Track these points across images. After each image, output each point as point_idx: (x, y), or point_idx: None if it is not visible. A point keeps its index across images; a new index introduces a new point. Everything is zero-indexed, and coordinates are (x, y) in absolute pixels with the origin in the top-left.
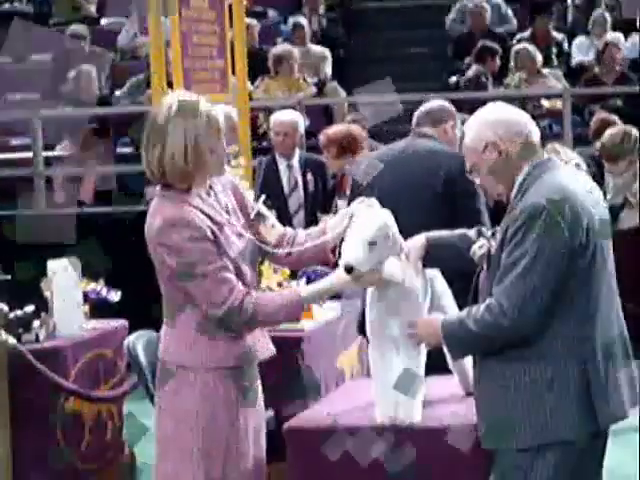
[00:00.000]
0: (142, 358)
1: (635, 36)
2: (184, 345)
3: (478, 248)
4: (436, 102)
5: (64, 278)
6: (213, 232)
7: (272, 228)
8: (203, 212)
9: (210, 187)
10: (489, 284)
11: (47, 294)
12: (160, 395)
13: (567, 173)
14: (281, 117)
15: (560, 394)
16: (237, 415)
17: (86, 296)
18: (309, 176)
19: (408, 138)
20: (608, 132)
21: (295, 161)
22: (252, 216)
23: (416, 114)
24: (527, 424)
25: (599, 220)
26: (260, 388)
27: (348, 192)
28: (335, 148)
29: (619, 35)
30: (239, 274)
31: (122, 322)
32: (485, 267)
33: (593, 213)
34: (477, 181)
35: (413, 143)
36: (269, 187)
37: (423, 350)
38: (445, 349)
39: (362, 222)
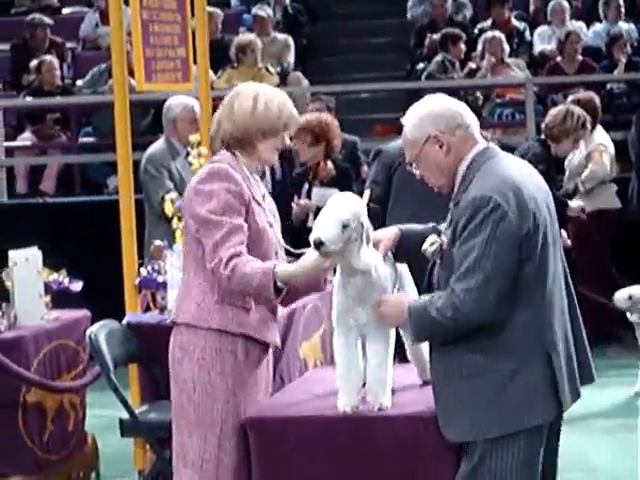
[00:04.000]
0: (104, 348)
1: (597, 25)
2: (194, 303)
3: (429, 245)
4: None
5: (25, 268)
6: (249, 200)
7: None
8: (249, 186)
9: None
10: (444, 278)
11: (8, 284)
12: (170, 366)
13: (506, 160)
14: None
15: (524, 383)
16: (233, 392)
17: (48, 286)
18: (277, 164)
19: None
20: (551, 112)
21: None
22: None
23: None
24: (492, 415)
25: (543, 204)
26: (267, 378)
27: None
28: (309, 136)
29: (581, 24)
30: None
31: (84, 312)
32: (438, 262)
33: (537, 198)
34: (418, 173)
35: None
36: None
37: (392, 336)
38: (406, 331)
39: (338, 203)
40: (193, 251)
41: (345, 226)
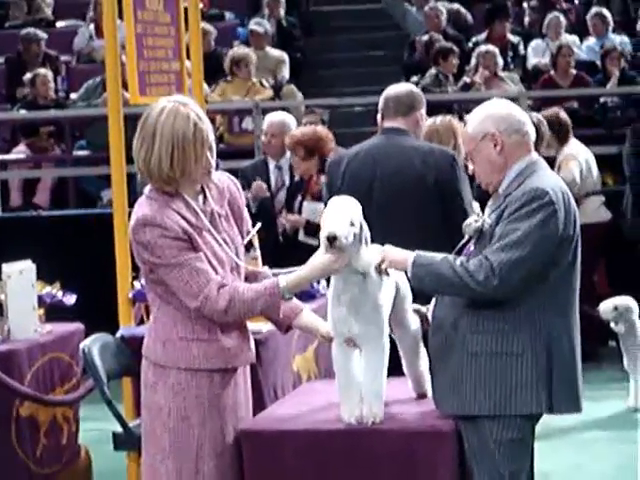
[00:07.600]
0: (98, 362)
1: (591, 39)
2: (160, 343)
3: (474, 221)
4: (403, 87)
5: (19, 281)
6: (188, 234)
7: (253, 260)
8: (181, 215)
9: (203, 191)
10: (475, 256)
11: (2, 297)
12: (142, 389)
13: (555, 174)
14: (270, 118)
15: (525, 369)
16: (210, 415)
17: (41, 299)
18: (297, 177)
19: (381, 136)
20: None
21: (284, 162)
22: (244, 242)
23: (384, 100)
24: (491, 393)
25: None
26: (246, 391)
27: (324, 192)
28: (302, 150)
29: (574, 38)
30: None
31: (78, 325)
32: (474, 240)
33: (576, 211)
34: (471, 167)
35: (392, 142)
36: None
37: (386, 348)
38: (409, 274)
39: (342, 203)
40: (153, 288)
41: (352, 224)
